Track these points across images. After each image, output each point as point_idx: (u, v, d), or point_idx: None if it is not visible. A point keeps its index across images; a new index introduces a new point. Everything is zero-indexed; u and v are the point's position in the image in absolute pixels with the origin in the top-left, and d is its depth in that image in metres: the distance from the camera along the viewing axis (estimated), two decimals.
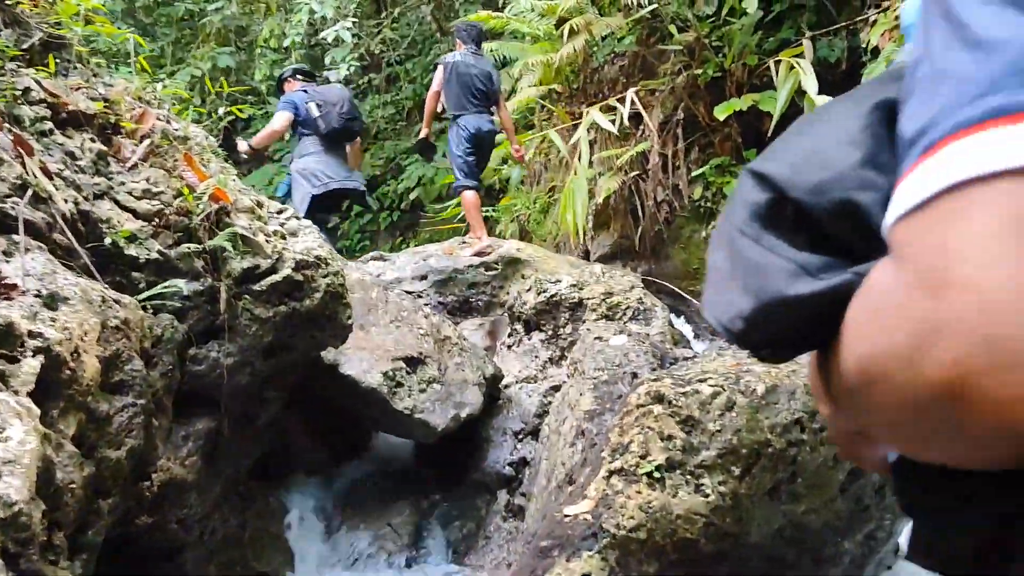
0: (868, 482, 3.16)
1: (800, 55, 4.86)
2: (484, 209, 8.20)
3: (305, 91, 6.34)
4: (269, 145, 6.77)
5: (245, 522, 3.50)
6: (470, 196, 6.26)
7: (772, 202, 0.53)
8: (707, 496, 2.69)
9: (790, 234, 0.51)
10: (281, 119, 6.20)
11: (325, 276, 3.46)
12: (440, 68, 6.25)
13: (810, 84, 3.96)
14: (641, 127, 6.23)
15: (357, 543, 3.97)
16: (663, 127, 6.29)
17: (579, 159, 4.91)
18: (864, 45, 5.74)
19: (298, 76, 6.66)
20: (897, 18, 5.35)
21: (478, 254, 5.61)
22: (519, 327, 4.94)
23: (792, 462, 2.83)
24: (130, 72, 4.15)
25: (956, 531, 0.48)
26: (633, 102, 4.94)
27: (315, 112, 6.11)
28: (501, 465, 4.40)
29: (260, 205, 3.54)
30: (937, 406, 0.40)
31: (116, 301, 2.30)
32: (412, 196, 10.50)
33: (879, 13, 5.71)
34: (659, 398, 2.89)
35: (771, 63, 5.48)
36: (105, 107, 2.89)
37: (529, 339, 4.86)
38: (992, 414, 0.38)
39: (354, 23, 9.76)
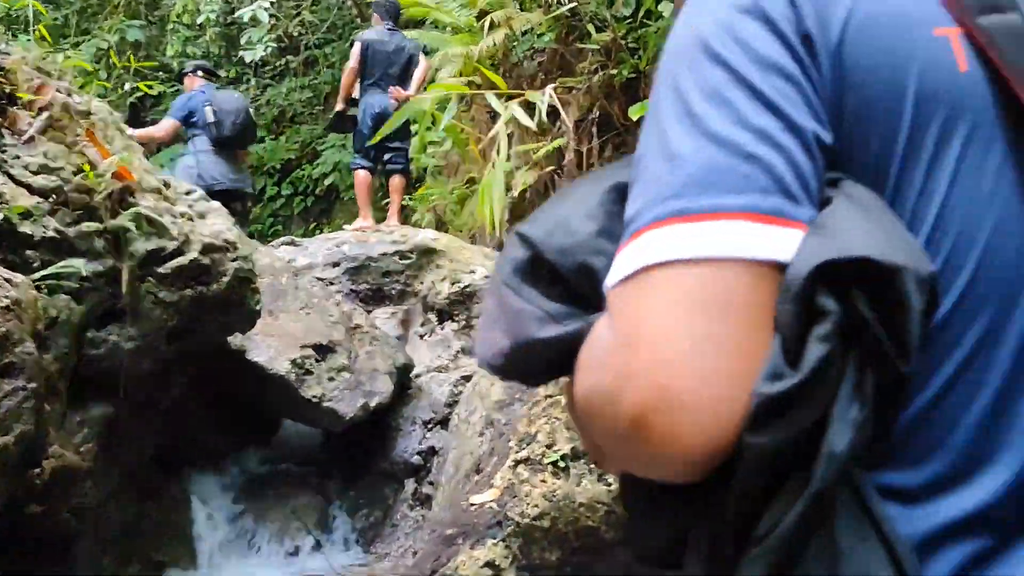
0: None
1: None
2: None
3: (204, 92, 6.38)
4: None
5: (144, 512, 3.41)
6: (362, 176, 6.33)
7: (531, 260, 0.63)
8: (609, 485, 2.77)
9: (545, 287, 0.62)
10: (166, 127, 6.39)
11: (234, 260, 3.39)
12: (357, 44, 6.21)
13: None
14: (558, 123, 6.29)
15: (262, 532, 3.92)
16: (579, 125, 6.37)
17: (497, 152, 4.94)
18: None
19: (199, 73, 6.65)
20: None
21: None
22: (432, 317, 4.95)
23: None
24: (29, 41, 3.97)
25: (651, 531, 0.61)
26: (551, 98, 5.00)
27: (210, 117, 6.16)
28: (410, 454, 4.40)
29: (167, 185, 3.44)
30: (629, 435, 0.51)
31: (7, 280, 2.21)
32: (327, 182, 10.33)
33: None
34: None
35: None
36: (0, 77, 2.76)
37: (442, 329, 4.87)
38: (665, 444, 0.49)
39: (272, 3, 9.52)
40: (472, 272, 4.93)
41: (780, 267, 0.50)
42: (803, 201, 0.52)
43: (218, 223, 3.52)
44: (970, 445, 0.54)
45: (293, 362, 3.99)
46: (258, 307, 3.58)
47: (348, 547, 4.21)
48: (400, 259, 5.47)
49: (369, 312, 5.04)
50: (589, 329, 0.57)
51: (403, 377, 4.51)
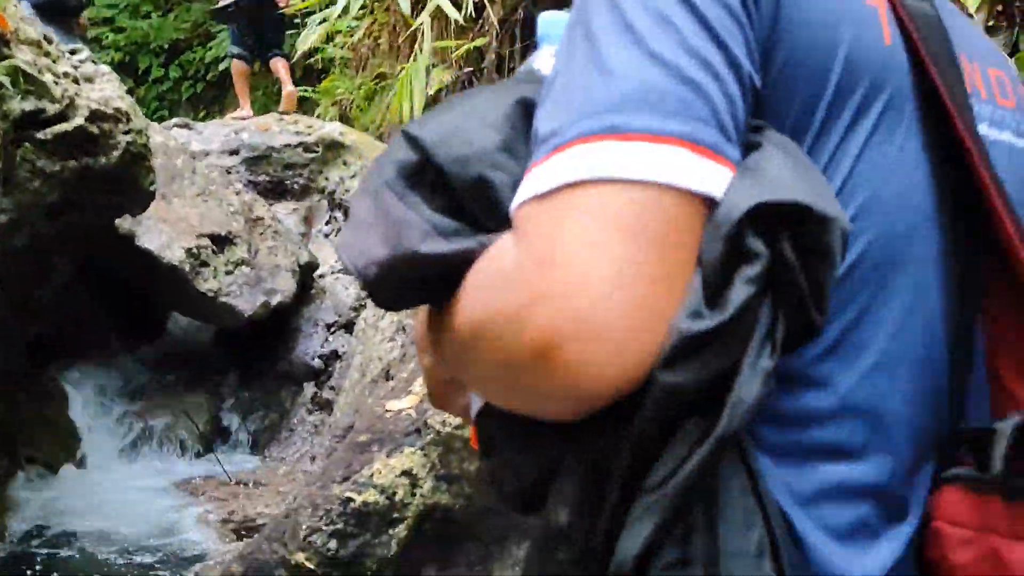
0: None
1: None
2: (303, 89, 7.68)
3: None
4: None
5: (18, 406, 3.08)
6: (238, 65, 6.19)
7: (419, 164, 0.56)
8: None
9: (431, 196, 0.55)
10: None
11: (126, 133, 3.03)
12: None
13: None
14: (480, 22, 5.98)
15: (147, 432, 3.66)
16: (502, 25, 6.07)
17: (420, 48, 4.61)
18: None
19: None
20: None
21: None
22: (339, 215, 4.67)
23: None
24: None
25: (514, 472, 0.57)
26: None
27: None
28: (310, 357, 4.19)
29: (49, 40, 3.01)
30: (530, 363, 0.46)
31: None
32: (221, 67, 9.61)
33: None
34: None
35: None
36: None
37: None
38: (573, 375, 0.45)
39: None
40: None
41: (711, 203, 0.47)
42: (734, 140, 0.50)
43: (108, 89, 3.12)
44: (854, 408, 0.54)
45: (188, 252, 3.67)
46: (152, 188, 3.23)
47: (240, 450, 4.01)
48: (304, 151, 5.13)
49: (270, 206, 4.71)
50: (482, 250, 0.51)
51: (306, 276, 4.26)
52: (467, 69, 6.02)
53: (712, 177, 0.47)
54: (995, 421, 0.54)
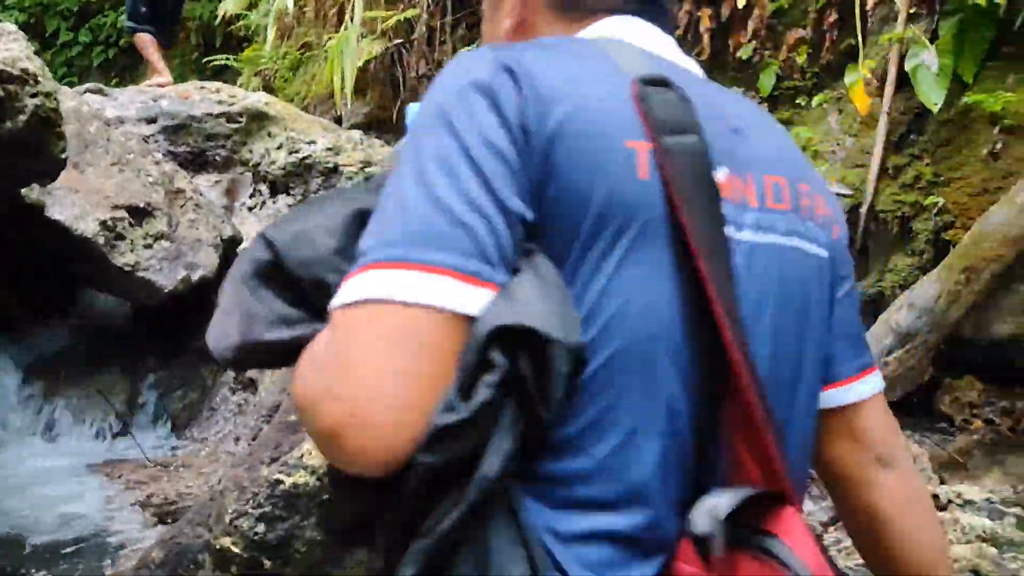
0: None
1: None
2: (224, 56, 7.40)
3: None
4: None
5: None
6: (142, 36, 5.77)
7: (271, 263, 0.71)
8: None
9: (280, 290, 0.71)
10: None
11: (34, 96, 2.85)
12: None
13: None
14: None
15: (62, 412, 3.48)
16: None
17: (351, 16, 4.48)
18: None
19: None
20: None
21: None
22: (264, 188, 4.52)
23: None
24: None
25: (348, 505, 0.75)
26: None
27: None
28: None
29: None
30: (324, 441, 0.62)
31: None
32: None
33: None
34: None
35: None
36: None
37: (274, 202, 4.47)
38: (353, 455, 0.61)
39: None
40: (312, 143, 4.52)
41: (471, 319, 0.62)
42: (498, 266, 0.64)
43: (13, 49, 2.92)
44: (608, 471, 0.67)
45: (103, 224, 3.49)
46: (63, 155, 3.05)
47: (159, 430, 3.86)
48: (227, 121, 4.93)
49: (191, 178, 4.52)
50: (313, 336, 0.67)
51: (229, 251, 4.10)
52: (397, 40, 5.90)
53: (470, 298, 0.62)
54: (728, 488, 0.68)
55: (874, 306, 4.62)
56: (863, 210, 4.51)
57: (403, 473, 0.61)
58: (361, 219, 0.69)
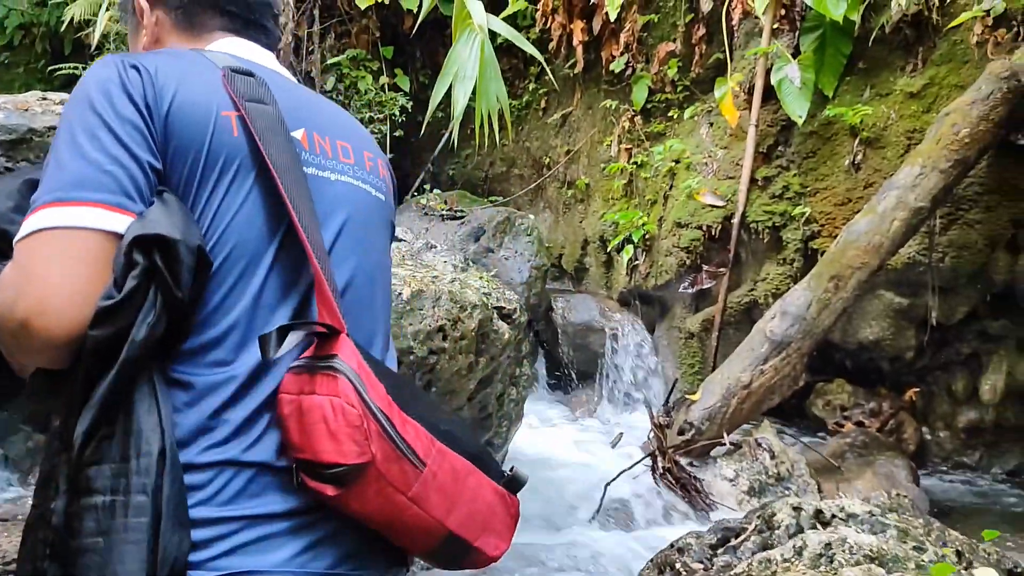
0: (493, 391, 3.19)
1: None
2: (72, 67, 6.89)
3: None
4: None
5: None
6: None
7: None
8: None
9: None
10: None
11: None
12: None
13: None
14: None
15: None
16: (299, 5, 5.73)
17: None
18: None
19: None
20: None
21: None
22: None
23: (430, 370, 2.71)
24: None
25: (33, 399, 1.02)
26: None
27: None
28: None
29: None
30: (19, 332, 0.87)
31: None
32: None
33: None
34: None
35: None
36: None
37: None
38: (42, 336, 0.86)
39: None
40: None
41: (119, 236, 0.90)
42: (137, 201, 0.92)
43: None
44: (229, 335, 0.96)
45: None
46: None
47: (11, 482, 3.47)
48: None
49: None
50: (1, 270, 0.92)
51: None
52: None
53: (119, 222, 0.90)
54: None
55: (749, 315, 4.72)
56: (735, 220, 4.61)
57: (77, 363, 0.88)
58: (32, 185, 0.94)
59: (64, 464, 0.88)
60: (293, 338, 0.95)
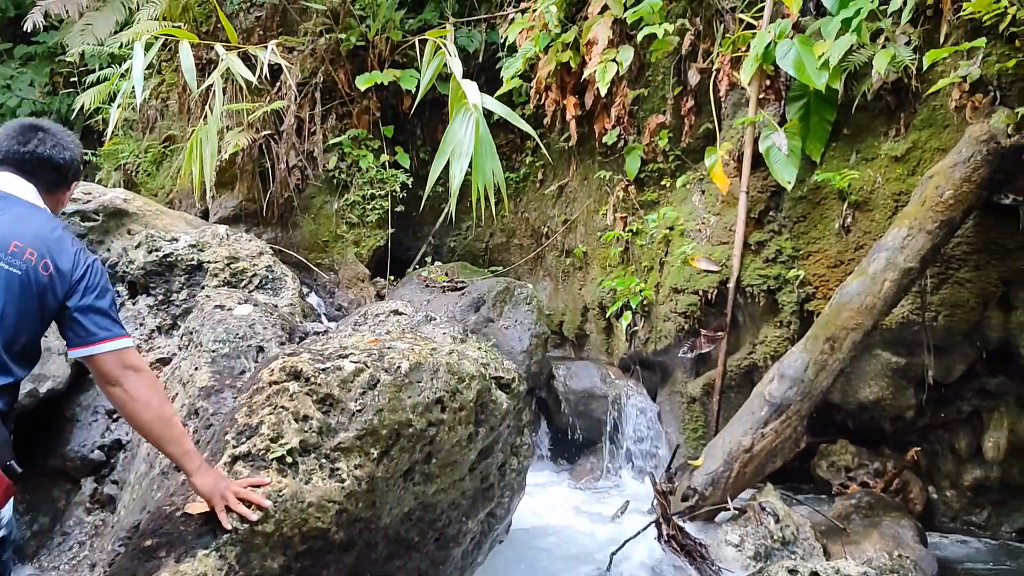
0: (494, 461, 3.21)
1: (445, 38, 4.87)
2: (84, 152, 7.07)
3: None
4: None
5: None
6: None
7: None
8: (343, 481, 2.49)
9: None
10: None
11: None
12: None
13: (456, 66, 3.93)
14: (277, 84, 5.79)
15: None
16: (301, 88, 5.92)
17: (211, 108, 4.36)
18: (502, 40, 5.97)
19: None
20: (535, 15, 5.63)
21: None
22: (122, 289, 4.26)
23: (430, 442, 2.74)
24: None
25: None
26: (275, 54, 4.52)
27: None
28: (89, 448, 3.75)
29: None
30: None
31: None
32: None
33: (518, 12, 5.97)
34: (296, 375, 2.61)
35: (416, 41, 5.42)
36: None
37: (134, 304, 4.21)
38: None
39: None
40: (174, 240, 4.32)
41: None
42: None
43: None
44: None
45: None
46: None
47: None
48: (82, 220, 4.68)
49: None
50: None
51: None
52: (265, 132, 5.81)
53: None
54: None
55: (750, 377, 4.75)
56: (731, 284, 4.67)
57: None
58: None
59: None
60: None
